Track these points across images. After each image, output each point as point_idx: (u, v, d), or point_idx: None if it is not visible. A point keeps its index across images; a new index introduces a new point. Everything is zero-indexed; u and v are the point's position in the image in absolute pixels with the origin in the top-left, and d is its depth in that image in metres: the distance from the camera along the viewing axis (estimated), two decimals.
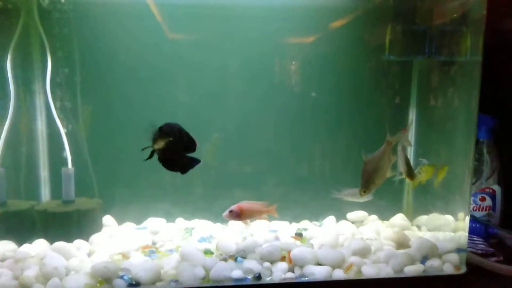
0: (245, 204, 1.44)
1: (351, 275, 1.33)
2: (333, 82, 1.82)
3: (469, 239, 1.53)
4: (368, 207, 1.78)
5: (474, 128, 1.50)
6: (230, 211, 1.42)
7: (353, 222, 1.76)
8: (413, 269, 1.37)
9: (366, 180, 1.38)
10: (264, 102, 1.77)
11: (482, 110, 1.46)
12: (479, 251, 1.54)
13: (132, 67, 1.68)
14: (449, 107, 1.70)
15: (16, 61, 1.56)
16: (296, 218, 1.79)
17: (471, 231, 1.64)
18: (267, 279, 1.32)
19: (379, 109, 1.85)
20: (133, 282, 1.25)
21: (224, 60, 1.75)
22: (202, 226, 1.67)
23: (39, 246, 1.45)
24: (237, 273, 1.29)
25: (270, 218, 1.76)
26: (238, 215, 1.42)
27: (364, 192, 1.39)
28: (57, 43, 1.59)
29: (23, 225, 1.52)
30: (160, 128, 1.19)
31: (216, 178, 1.79)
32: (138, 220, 1.73)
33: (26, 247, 1.44)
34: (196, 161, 1.28)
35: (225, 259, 1.37)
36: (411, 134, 1.83)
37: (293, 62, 1.78)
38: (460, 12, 1.57)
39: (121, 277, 1.26)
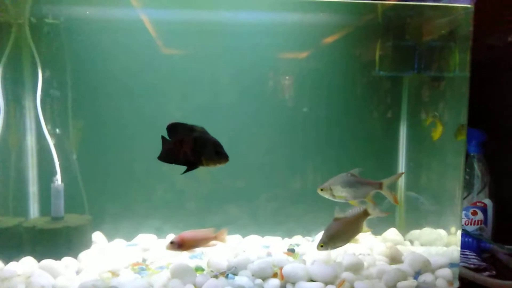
0: (187, 233, 1.38)
1: None
2: (325, 97, 1.83)
3: (461, 254, 1.52)
4: None
5: (464, 142, 1.51)
6: (171, 243, 1.36)
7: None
8: (406, 285, 1.36)
9: (328, 237, 1.34)
10: (256, 117, 1.78)
11: (472, 125, 1.47)
12: (472, 266, 1.53)
13: (123, 82, 1.69)
14: (439, 121, 1.71)
15: (6, 76, 1.55)
16: (289, 233, 1.78)
17: (463, 246, 1.64)
18: None
19: (370, 124, 1.86)
20: None
21: (216, 75, 1.76)
22: None
23: (26, 264, 1.41)
24: None
25: (263, 233, 1.75)
26: (180, 246, 1.35)
27: (322, 246, 1.34)
28: (48, 59, 1.60)
29: (10, 242, 1.49)
30: (219, 152, 1.20)
31: (208, 193, 1.78)
32: (129, 237, 1.71)
33: (13, 265, 1.40)
34: None
35: (216, 276, 1.35)
36: (403, 148, 1.85)
37: (286, 78, 1.80)
38: (448, 28, 1.60)
39: None
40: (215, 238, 1.41)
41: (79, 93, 1.65)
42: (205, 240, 1.40)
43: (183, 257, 1.52)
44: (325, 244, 1.34)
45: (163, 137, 1.26)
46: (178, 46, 1.71)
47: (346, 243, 1.38)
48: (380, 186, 1.41)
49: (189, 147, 1.20)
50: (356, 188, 1.40)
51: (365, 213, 1.38)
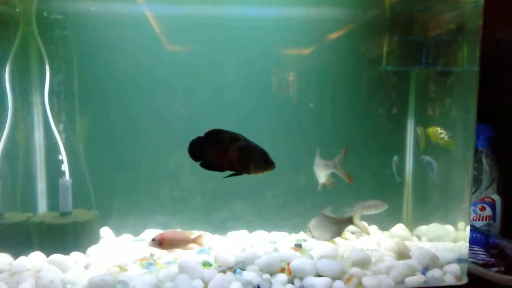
0: (168, 233, 1.41)
1: (351, 287, 1.32)
2: (331, 93, 1.83)
3: (469, 249, 1.52)
4: (368, 218, 1.77)
5: (473, 137, 1.50)
6: (153, 240, 1.40)
7: (353, 233, 1.74)
8: (414, 280, 1.36)
9: (310, 225, 1.43)
10: (261, 112, 1.77)
11: (480, 120, 1.46)
12: (480, 261, 1.53)
13: (130, 77, 1.69)
14: (447, 117, 1.70)
15: (14, 72, 1.56)
16: (295, 229, 1.78)
17: (472, 241, 1.63)
18: None
19: (377, 120, 1.85)
20: None
21: (221, 70, 1.75)
22: None
23: (35, 259, 1.42)
24: (236, 285, 1.27)
25: (269, 229, 1.75)
26: (160, 244, 1.39)
27: (304, 232, 1.45)
28: (55, 55, 1.60)
29: (19, 238, 1.50)
30: (267, 160, 1.20)
31: (214, 189, 1.78)
32: (136, 232, 1.71)
33: (22, 260, 1.41)
34: None
35: (223, 271, 1.35)
36: (410, 144, 1.84)
37: (291, 73, 1.79)
38: (456, 23, 1.58)
39: None
40: (194, 241, 1.44)
41: (86, 89, 1.66)
42: (183, 242, 1.43)
43: (191, 252, 1.53)
44: (306, 230, 1.43)
45: (199, 140, 1.20)
46: (183, 41, 1.71)
47: (322, 240, 1.43)
48: (334, 165, 1.43)
49: (235, 156, 1.20)
50: (321, 171, 1.49)
51: (349, 220, 1.41)
